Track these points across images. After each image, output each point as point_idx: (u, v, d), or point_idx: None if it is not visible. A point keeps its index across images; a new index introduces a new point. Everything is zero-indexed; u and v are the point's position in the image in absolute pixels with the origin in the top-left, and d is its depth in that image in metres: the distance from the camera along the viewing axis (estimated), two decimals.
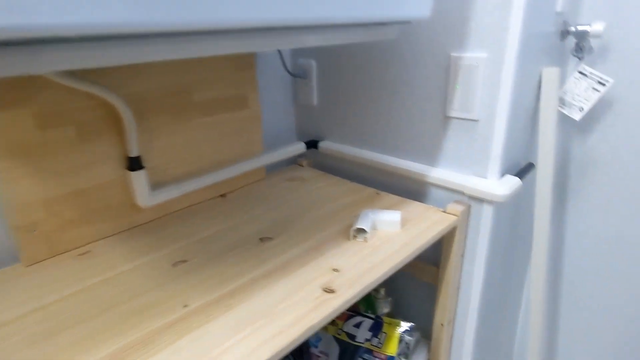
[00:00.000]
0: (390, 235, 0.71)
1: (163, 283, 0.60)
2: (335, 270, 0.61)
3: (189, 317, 0.52)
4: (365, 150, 0.95)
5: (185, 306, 0.54)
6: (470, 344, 0.88)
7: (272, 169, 1.04)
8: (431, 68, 0.77)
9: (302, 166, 1.07)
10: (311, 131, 1.07)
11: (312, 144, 1.04)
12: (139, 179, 0.72)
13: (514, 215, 0.88)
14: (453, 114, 0.75)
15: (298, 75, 1.00)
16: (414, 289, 0.97)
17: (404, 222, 0.75)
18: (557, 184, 1.00)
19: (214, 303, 0.55)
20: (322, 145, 1.02)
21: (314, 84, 0.99)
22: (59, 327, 0.52)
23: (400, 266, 0.64)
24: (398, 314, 1.01)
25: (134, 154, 0.71)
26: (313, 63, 0.98)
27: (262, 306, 0.54)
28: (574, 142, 0.95)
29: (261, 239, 0.72)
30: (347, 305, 0.55)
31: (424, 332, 0.97)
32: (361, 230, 0.69)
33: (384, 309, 0.91)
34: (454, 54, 0.72)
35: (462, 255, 0.82)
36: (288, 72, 0.96)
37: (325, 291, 0.56)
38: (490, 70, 0.69)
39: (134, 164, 0.72)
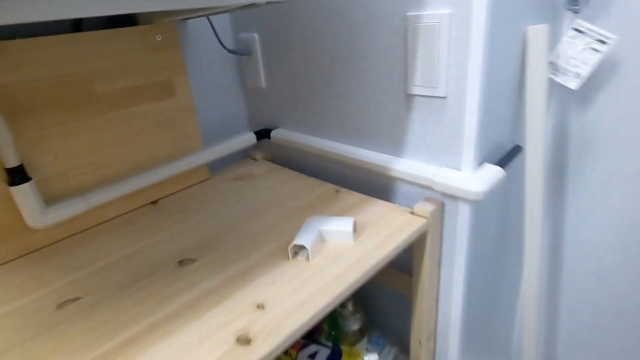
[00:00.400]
0: (340, 250, 0.56)
1: (35, 336, 0.46)
2: (260, 306, 0.47)
3: None
4: (323, 139, 0.80)
5: None
6: None
7: (223, 165, 0.89)
8: (387, 35, 0.61)
9: (256, 160, 0.92)
10: (264, 118, 0.92)
11: (263, 134, 0.89)
12: (24, 194, 0.58)
13: (502, 206, 0.73)
14: (416, 90, 0.60)
15: (240, 52, 0.84)
16: (388, 299, 0.83)
17: (361, 229, 0.60)
18: (554, 166, 0.85)
19: None
20: (275, 134, 0.87)
21: (260, 61, 0.83)
22: None
23: (347, 294, 0.50)
24: (373, 326, 0.88)
25: (12, 164, 0.56)
26: (256, 37, 0.81)
27: None
28: (572, 115, 0.79)
29: (180, 262, 0.57)
30: None
31: (403, 346, 0.84)
32: (303, 247, 0.55)
33: (352, 326, 0.77)
34: (411, 14, 0.56)
35: (439, 263, 0.68)
36: (224, 47, 0.80)
37: (239, 342, 0.42)
38: (456, 31, 0.53)
39: (15, 176, 0.57)
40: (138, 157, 0.72)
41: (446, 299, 0.70)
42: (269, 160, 0.92)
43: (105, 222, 0.70)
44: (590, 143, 0.79)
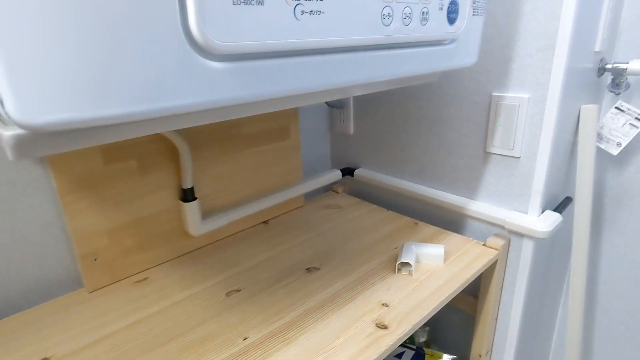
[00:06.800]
0: (433, 270, 0.72)
1: (219, 313, 0.63)
2: (384, 305, 0.63)
3: (250, 351, 0.55)
4: (402, 180, 0.97)
5: (245, 339, 0.57)
6: None
7: (309, 195, 1.07)
8: (472, 106, 0.79)
9: (338, 193, 1.09)
10: (347, 159, 1.10)
11: (347, 172, 1.07)
12: (192, 209, 0.76)
13: (551, 247, 0.89)
14: (494, 150, 0.77)
15: (335, 106, 1.04)
16: (451, 318, 0.98)
17: (446, 256, 0.76)
18: (593, 215, 1.01)
19: (272, 336, 0.58)
20: (358, 172, 1.05)
21: (351, 114, 1.03)
22: (126, 356, 0.55)
23: (445, 302, 0.66)
24: (433, 342, 1.02)
25: (188, 185, 0.75)
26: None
27: (318, 341, 0.56)
28: (609, 174, 0.96)
29: (308, 270, 0.74)
30: (399, 342, 0.57)
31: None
32: (406, 264, 0.71)
33: (421, 337, 0.92)
34: (495, 94, 0.75)
35: (501, 288, 0.84)
36: (326, 103, 0.99)
37: (378, 327, 0.58)
38: (532, 109, 0.71)
39: (188, 195, 0.75)
40: (259, 185, 0.90)
41: (504, 318, 0.85)
42: (348, 194, 1.10)
43: (233, 234, 0.88)
44: (625, 198, 0.95)
